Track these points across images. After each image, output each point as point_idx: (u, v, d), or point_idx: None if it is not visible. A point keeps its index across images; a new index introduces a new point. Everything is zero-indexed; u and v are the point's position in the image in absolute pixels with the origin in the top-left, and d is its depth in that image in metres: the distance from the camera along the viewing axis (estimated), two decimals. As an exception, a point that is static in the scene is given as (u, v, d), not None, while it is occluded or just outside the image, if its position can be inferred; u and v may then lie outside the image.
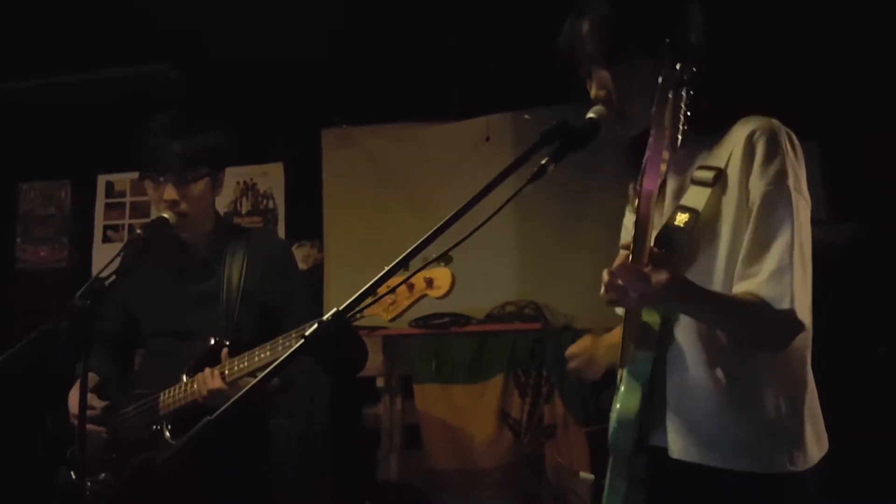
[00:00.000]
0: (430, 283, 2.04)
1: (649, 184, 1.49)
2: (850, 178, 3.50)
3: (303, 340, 1.28)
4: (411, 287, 2.06)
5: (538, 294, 4.19)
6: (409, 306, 2.09)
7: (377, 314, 2.11)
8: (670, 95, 1.50)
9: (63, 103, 4.74)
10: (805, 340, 1.63)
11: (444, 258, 1.94)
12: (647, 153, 1.49)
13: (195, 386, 2.36)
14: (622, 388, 1.67)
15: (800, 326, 1.54)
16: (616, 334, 1.91)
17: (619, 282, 1.47)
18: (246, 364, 2.30)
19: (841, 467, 1.67)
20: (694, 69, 1.50)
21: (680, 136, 1.42)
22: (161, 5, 3.97)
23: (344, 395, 4.02)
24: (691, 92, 1.52)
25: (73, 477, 2.51)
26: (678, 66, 1.50)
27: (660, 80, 1.49)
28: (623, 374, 1.68)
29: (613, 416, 1.66)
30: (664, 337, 1.65)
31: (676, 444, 1.62)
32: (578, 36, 1.69)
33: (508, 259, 4.34)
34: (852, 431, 2.96)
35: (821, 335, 1.66)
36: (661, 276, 1.46)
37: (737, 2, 3.28)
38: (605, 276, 1.49)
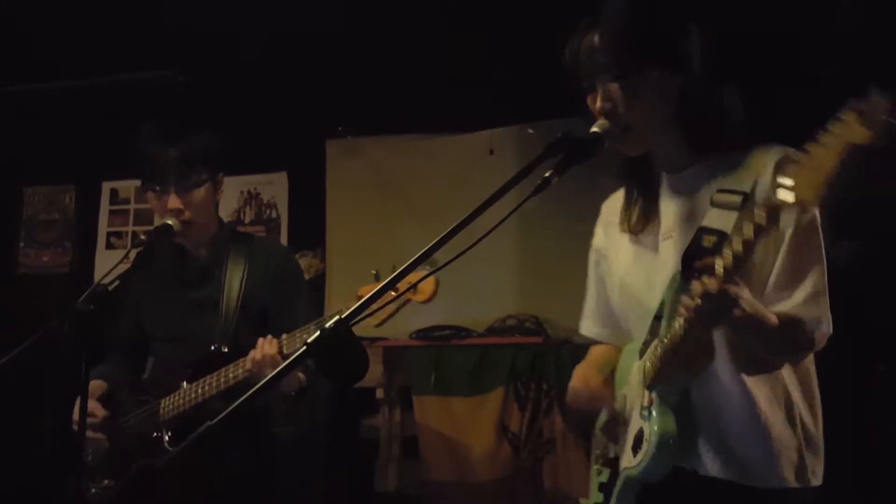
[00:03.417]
0: (413, 288, 2.05)
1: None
2: (851, 194, 3.49)
3: (304, 347, 1.28)
4: (397, 292, 2.08)
5: (539, 308, 4.19)
6: (396, 311, 2.09)
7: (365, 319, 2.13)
8: None
9: (68, 108, 4.75)
10: (811, 358, 1.71)
11: (430, 262, 1.96)
12: None
13: (249, 354, 2.30)
14: (654, 413, 1.65)
15: (821, 344, 1.64)
16: (598, 355, 1.93)
17: (713, 306, 1.48)
18: (297, 341, 2.28)
19: (842, 485, 1.67)
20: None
21: None
22: (167, 12, 3.99)
23: (343, 405, 4.02)
24: None
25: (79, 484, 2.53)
26: None
27: None
28: (652, 396, 1.67)
29: (654, 440, 1.62)
30: None
31: (708, 461, 1.64)
32: (590, 47, 1.68)
33: (510, 272, 4.34)
34: (853, 449, 2.95)
35: (821, 353, 1.68)
36: (746, 293, 1.50)
37: (735, 20, 3.30)
38: (691, 303, 1.50)
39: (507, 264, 4.32)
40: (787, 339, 1.60)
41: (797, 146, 1.64)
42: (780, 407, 1.64)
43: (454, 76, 4.15)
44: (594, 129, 1.61)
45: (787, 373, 1.66)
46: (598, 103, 1.67)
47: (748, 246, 1.41)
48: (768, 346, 1.61)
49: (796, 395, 1.65)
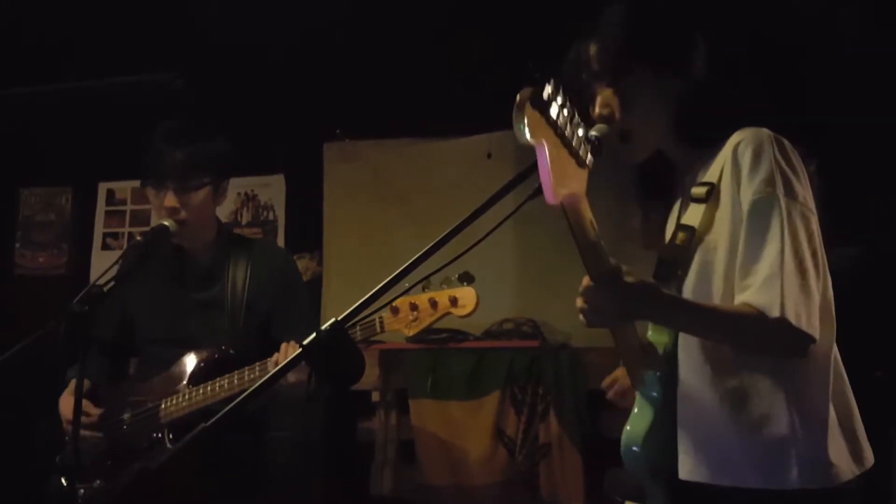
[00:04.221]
0: (454, 301, 2.07)
1: (552, 199, 1.40)
2: (850, 200, 3.50)
3: (300, 349, 1.28)
4: (435, 304, 2.08)
5: (537, 311, 4.18)
6: (432, 323, 2.10)
7: (399, 329, 2.13)
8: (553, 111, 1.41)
9: (66, 110, 4.75)
10: (823, 350, 1.58)
11: (468, 278, 1.98)
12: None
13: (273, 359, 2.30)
14: (634, 410, 1.67)
15: (799, 335, 1.48)
16: None
17: (587, 304, 1.49)
18: None
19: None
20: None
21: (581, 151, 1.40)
22: (166, 15, 3.99)
23: (339, 409, 4.01)
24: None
25: (65, 484, 2.50)
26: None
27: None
28: (636, 396, 1.69)
29: (623, 437, 1.66)
30: (672, 357, 1.64)
31: (685, 464, 1.59)
32: (585, 58, 1.70)
33: (507, 276, 4.33)
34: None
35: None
36: (621, 290, 1.47)
37: (737, 25, 3.30)
38: (579, 303, 1.51)
39: (504, 267, 4.31)
40: (738, 330, 1.52)
41: (788, 137, 1.64)
42: (753, 406, 1.55)
43: (452, 79, 4.16)
44: (592, 132, 1.62)
45: (768, 371, 1.56)
46: (596, 109, 1.68)
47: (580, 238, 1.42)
48: (723, 339, 1.56)
49: (778, 396, 1.54)
